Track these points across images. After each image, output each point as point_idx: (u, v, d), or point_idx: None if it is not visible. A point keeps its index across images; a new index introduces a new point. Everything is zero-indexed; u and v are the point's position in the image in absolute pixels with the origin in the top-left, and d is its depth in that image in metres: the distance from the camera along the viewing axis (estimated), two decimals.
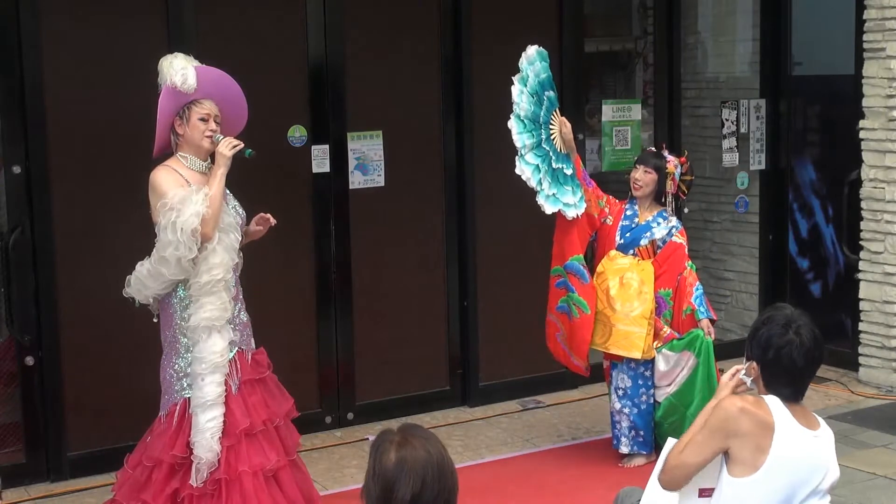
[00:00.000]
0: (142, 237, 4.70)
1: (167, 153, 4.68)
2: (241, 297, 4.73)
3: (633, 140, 7.30)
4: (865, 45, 6.91)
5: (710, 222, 8.29)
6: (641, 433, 5.79)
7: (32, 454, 5.72)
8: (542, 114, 5.64)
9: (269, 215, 4.82)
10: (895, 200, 6.82)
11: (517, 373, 6.93)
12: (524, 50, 5.63)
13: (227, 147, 4.56)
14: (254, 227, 4.82)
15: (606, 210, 5.82)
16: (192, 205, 4.42)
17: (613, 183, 7.21)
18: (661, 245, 5.72)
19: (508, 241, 6.84)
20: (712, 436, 3.42)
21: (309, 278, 6.38)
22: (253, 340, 4.77)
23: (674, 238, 5.73)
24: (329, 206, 6.38)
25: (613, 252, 5.76)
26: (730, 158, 7.75)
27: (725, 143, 7.72)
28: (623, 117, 7.30)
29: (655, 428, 5.79)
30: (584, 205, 5.72)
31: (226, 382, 4.53)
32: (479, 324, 6.84)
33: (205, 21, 5.93)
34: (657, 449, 5.55)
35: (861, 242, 7.04)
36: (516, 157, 5.55)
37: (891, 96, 6.80)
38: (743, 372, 3.56)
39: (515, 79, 5.57)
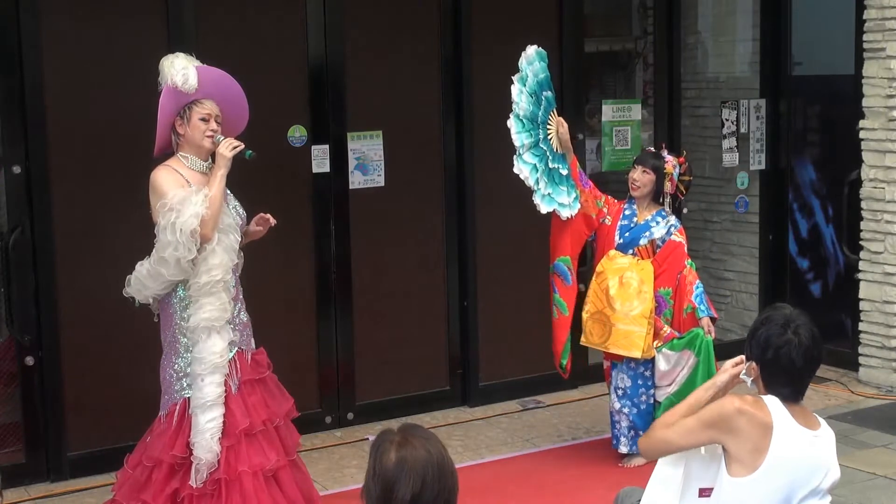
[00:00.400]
0: (142, 237, 4.70)
1: (168, 153, 4.68)
2: (241, 297, 4.73)
3: (633, 140, 7.30)
4: (865, 45, 6.91)
5: (710, 222, 8.29)
6: (641, 433, 5.78)
7: (32, 454, 5.72)
8: (540, 113, 5.66)
9: (268, 215, 4.82)
10: (895, 200, 6.83)
11: (517, 373, 6.93)
12: (524, 50, 5.64)
13: (228, 148, 4.56)
14: (253, 227, 4.82)
15: (605, 210, 5.82)
16: (192, 206, 4.42)
17: (613, 183, 7.21)
18: (661, 244, 5.72)
19: (508, 241, 6.84)
20: (705, 428, 3.44)
21: (309, 278, 6.38)
22: (253, 340, 4.77)
23: (673, 237, 5.73)
24: (329, 206, 6.38)
25: (613, 252, 5.76)
26: (730, 158, 7.75)
27: (725, 143, 7.72)
28: (623, 117, 7.30)
29: None
30: (578, 205, 5.75)
31: (225, 383, 4.54)
32: (479, 324, 6.84)
33: (205, 21, 5.93)
34: None
35: (861, 242, 7.04)
36: (514, 156, 5.57)
37: (891, 96, 6.80)
38: (743, 373, 3.56)
39: (515, 78, 5.59)
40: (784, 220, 7.87)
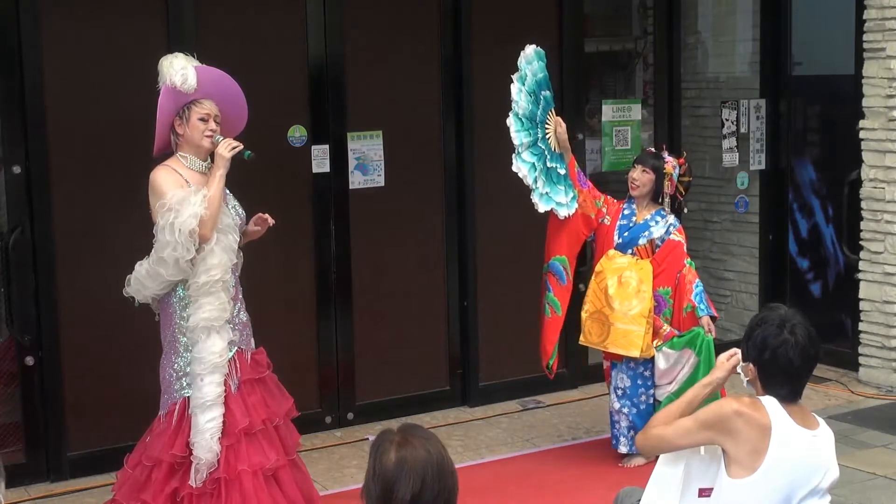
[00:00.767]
0: (142, 237, 4.70)
1: (167, 153, 4.68)
2: (240, 296, 4.73)
3: (633, 140, 7.30)
4: (865, 45, 6.91)
5: (710, 222, 8.29)
6: None
7: (32, 454, 5.72)
8: (538, 113, 5.67)
9: (267, 215, 4.81)
10: (895, 200, 6.82)
11: (517, 373, 6.93)
12: (523, 50, 5.65)
13: (227, 149, 4.56)
14: (252, 227, 4.82)
15: (604, 210, 5.83)
16: (191, 206, 4.42)
17: (613, 183, 7.21)
18: (660, 244, 5.72)
19: (508, 241, 6.84)
20: (702, 429, 3.44)
21: (309, 278, 6.38)
22: (253, 340, 4.77)
23: (672, 236, 5.73)
24: (329, 206, 6.38)
25: (612, 251, 5.76)
26: (730, 158, 7.75)
27: (725, 143, 7.72)
28: (623, 117, 7.30)
29: None
30: (576, 205, 5.76)
31: (225, 382, 4.54)
32: (479, 324, 6.84)
33: (205, 21, 5.93)
34: None
35: (861, 242, 7.04)
36: (513, 155, 5.58)
37: (891, 96, 6.80)
38: (741, 374, 3.56)
39: (514, 77, 5.59)
40: (784, 220, 7.87)
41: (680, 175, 5.81)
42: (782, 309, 3.52)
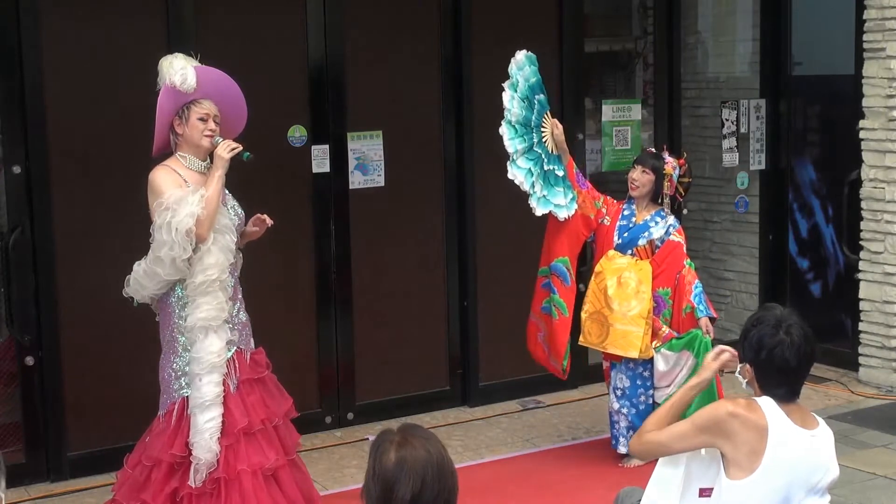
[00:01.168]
0: (142, 237, 4.70)
1: (167, 153, 4.68)
2: (240, 296, 4.73)
3: (633, 140, 7.30)
4: (865, 45, 6.91)
5: (710, 222, 8.29)
6: None
7: (32, 454, 5.72)
8: (533, 117, 5.66)
9: (265, 216, 4.80)
10: (895, 200, 6.82)
11: (517, 373, 6.93)
12: (514, 57, 5.64)
13: (226, 150, 4.56)
14: (250, 227, 4.81)
15: (604, 210, 5.83)
16: (188, 205, 4.42)
17: (613, 183, 7.21)
18: (659, 244, 5.72)
19: (508, 241, 6.83)
20: (698, 433, 3.45)
21: (309, 278, 6.38)
22: (252, 340, 4.77)
23: (671, 237, 5.73)
24: (329, 206, 6.38)
25: (612, 252, 5.76)
26: (730, 158, 7.75)
27: (725, 143, 7.72)
28: (623, 117, 7.29)
29: None
30: (575, 206, 5.75)
31: (224, 382, 4.54)
32: (479, 324, 6.85)
33: (205, 21, 5.93)
34: None
35: (861, 242, 7.04)
36: (508, 162, 5.57)
37: (891, 96, 6.80)
38: (738, 375, 3.56)
39: (506, 85, 5.58)
40: (784, 220, 7.87)
41: (680, 176, 5.81)
42: (778, 309, 3.52)
